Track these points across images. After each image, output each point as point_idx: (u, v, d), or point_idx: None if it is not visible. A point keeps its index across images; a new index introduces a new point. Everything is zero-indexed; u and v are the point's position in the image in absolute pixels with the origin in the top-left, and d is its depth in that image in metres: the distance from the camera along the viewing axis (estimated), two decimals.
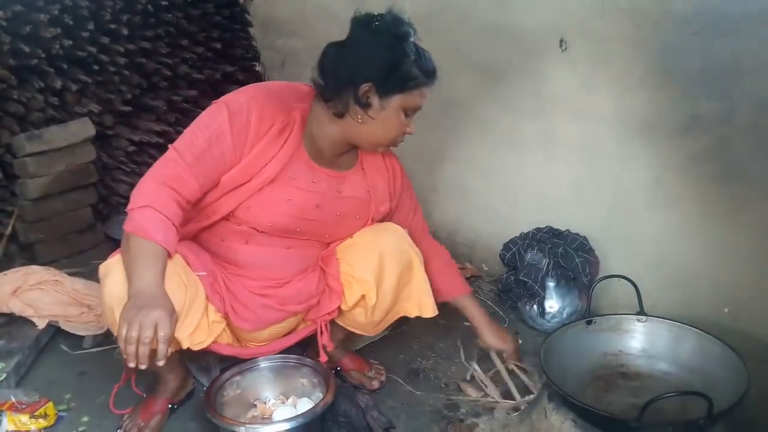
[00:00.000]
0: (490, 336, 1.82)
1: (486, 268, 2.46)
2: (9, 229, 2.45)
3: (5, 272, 2.11)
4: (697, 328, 1.72)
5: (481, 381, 1.83)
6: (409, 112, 1.57)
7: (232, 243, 1.63)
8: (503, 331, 1.87)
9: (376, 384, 1.85)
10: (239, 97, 1.52)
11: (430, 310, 1.73)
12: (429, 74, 1.54)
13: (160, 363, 1.30)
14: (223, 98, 1.53)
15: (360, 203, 1.69)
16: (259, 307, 1.65)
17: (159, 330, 1.28)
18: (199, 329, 1.55)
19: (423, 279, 1.72)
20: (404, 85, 1.50)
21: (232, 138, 1.48)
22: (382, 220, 1.75)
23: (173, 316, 1.33)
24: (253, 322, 1.65)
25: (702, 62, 1.78)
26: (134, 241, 1.38)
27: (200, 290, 1.57)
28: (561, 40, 2.08)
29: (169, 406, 1.73)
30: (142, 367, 1.29)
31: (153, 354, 1.29)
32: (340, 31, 2.81)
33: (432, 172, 2.62)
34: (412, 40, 1.52)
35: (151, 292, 1.34)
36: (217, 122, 1.48)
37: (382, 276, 1.64)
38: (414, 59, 1.50)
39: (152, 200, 1.42)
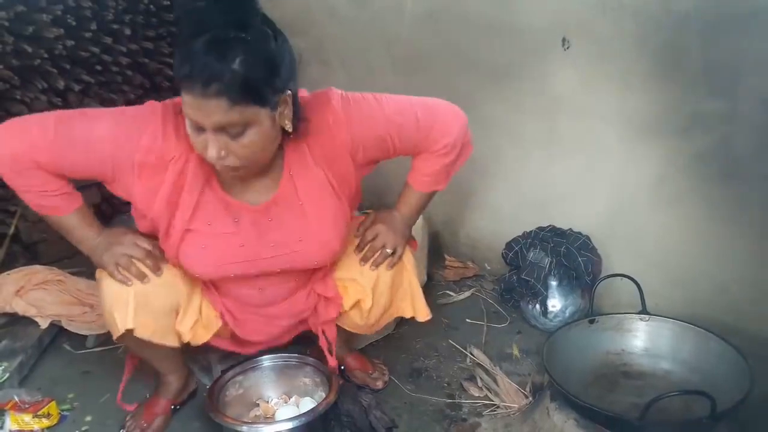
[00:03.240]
0: (384, 218, 1.63)
1: (488, 267, 2.46)
2: (12, 229, 2.45)
3: (8, 272, 2.11)
4: (699, 327, 1.72)
5: (481, 380, 1.83)
6: (194, 123, 1.25)
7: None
8: (402, 232, 1.64)
9: (380, 384, 1.85)
10: None
11: (422, 314, 1.69)
12: (186, 76, 1.18)
13: (159, 273, 1.45)
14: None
15: (320, 209, 1.47)
16: (250, 318, 1.64)
17: (140, 245, 1.45)
18: (199, 324, 1.56)
19: (414, 282, 1.68)
20: (177, 79, 1.22)
21: None
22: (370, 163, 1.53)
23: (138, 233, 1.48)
24: (247, 331, 1.64)
25: (704, 61, 1.78)
26: (52, 219, 1.51)
27: (196, 286, 1.57)
28: (563, 39, 2.07)
29: (172, 406, 1.73)
30: (146, 281, 1.42)
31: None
32: (343, 30, 2.84)
33: None
34: (210, 33, 1.17)
35: (104, 236, 1.49)
36: None
37: (377, 279, 1.61)
38: (187, 47, 1.18)
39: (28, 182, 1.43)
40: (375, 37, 2.70)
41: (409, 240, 1.72)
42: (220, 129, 1.23)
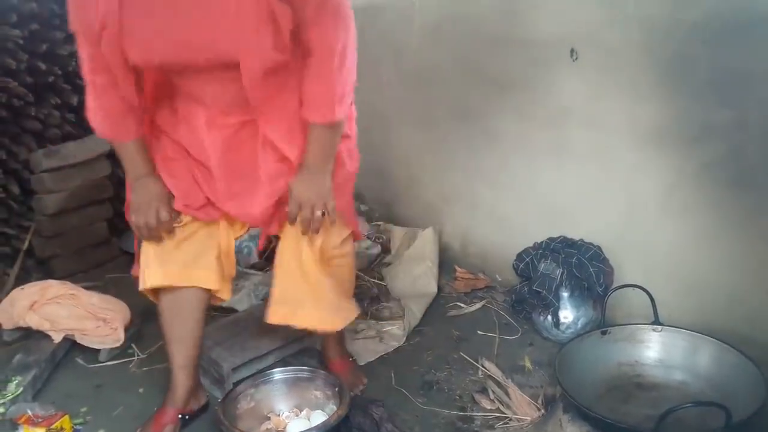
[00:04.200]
0: (296, 181, 1.51)
1: (499, 279, 2.45)
2: (26, 245, 2.48)
3: (22, 287, 2.13)
4: (713, 338, 1.71)
5: (493, 392, 1.82)
6: None
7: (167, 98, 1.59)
8: (320, 186, 1.51)
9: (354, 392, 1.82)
10: None
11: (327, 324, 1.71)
12: None
13: (176, 224, 1.60)
14: None
15: None
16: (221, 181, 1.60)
17: (160, 214, 1.56)
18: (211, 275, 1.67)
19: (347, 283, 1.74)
20: None
21: None
22: None
23: (166, 199, 1.58)
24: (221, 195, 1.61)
25: (713, 70, 1.78)
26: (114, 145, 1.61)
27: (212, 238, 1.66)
28: (571, 50, 2.08)
29: (180, 416, 1.73)
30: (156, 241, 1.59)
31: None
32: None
33: (443, 182, 2.63)
34: None
35: (137, 192, 1.59)
36: None
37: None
38: None
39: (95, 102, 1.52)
40: (384, 49, 2.71)
41: (353, 228, 1.73)
42: None
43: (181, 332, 1.70)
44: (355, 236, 1.81)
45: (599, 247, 2.11)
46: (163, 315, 1.70)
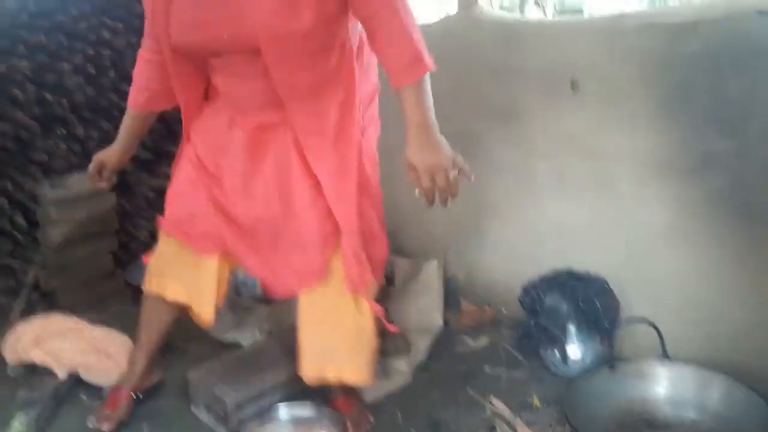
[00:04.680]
0: (412, 150, 1.39)
1: (506, 312, 2.43)
2: (31, 277, 2.47)
3: (27, 321, 2.12)
4: (723, 373, 1.69)
5: (502, 431, 1.80)
6: None
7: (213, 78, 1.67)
8: (436, 148, 1.39)
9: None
10: None
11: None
12: None
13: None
14: None
15: None
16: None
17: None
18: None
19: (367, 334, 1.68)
20: None
21: None
22: None
23: (112, 152, 1.88)
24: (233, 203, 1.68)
25: (713, 100, 1.79)
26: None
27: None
28: (572, 82, 2.09)
29: (134, 395, 1.83)
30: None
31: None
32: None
33: (447, 213, 2.60)
34: None
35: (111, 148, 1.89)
36: None
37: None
38: None
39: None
40: (386, 80, 2.73)
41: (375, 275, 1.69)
42: None
43: (151, 325, 1.86)
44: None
45: (605, 280, 2.10)
46: (144, 306, 1.86)
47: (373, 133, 1.80)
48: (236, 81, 1.57)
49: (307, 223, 1.60)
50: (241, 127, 1.62)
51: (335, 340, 1.66)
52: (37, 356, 2.00)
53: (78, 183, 2.55)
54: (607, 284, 2.08)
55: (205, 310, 1.76)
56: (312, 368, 1.67)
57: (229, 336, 2.26)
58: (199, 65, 1.63)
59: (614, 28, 1.98)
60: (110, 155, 1.89)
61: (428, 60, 1.41)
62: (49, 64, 2.56)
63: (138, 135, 1.90)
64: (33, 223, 2.55)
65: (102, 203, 2.63)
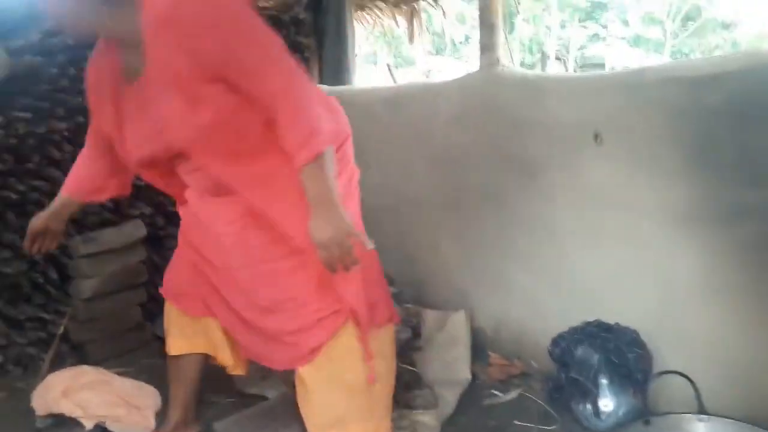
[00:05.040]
0: (312, 225, 1.45)
1: (535, 365, 2.39)
2: (61, 329, 2.50)
3: (56, 373, 2.14)
4: (764, 430, 1.63)
5: None
6: None
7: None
8: (331, 224, 1.44)
9: None
10: None
11: None
12: None
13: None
14: None
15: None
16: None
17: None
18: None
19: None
20: None
21: None
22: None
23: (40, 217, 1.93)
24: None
25: (740, 151, 1.78)
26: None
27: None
28: (595, 135, 2.11)
29: None
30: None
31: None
32: (380, 132, 2.94)
33: (473, 264, 2.62)
34: None
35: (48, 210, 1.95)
36: None
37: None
38: None
39: None
40: (411, 136, 2.80)
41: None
42: None
43: (177, 380, 1.93)
44: (392, 319, 1.82)
45: (636, 332, 2.06)
46: (168, 362, 1.95)
47: (347, 179, 1.79)
48: (193, 176, 1.69)
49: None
50: (201, 203, 1.73)
51: (340, 408, 1.67)
52: (66, 407, 2.01)
53: (109, 238, 2.62)
54: (638, 336, 2.04)
55: (222, 356, 1.90)
56: None
57: (255, 388, 2.25)
58: (165, 166, 1.71)
59: (637, 82, 2.01)
60: (38, 222, 1.95)
61: (323, 138, 1.46)
62: (85, 126, 2.65)
63: (70, 213, 2.00)
64: (65, 277, 2.61)
65: (132, 256, 2.68)
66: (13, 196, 2.48)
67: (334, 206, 1.46)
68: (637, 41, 17.14)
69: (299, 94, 1.47)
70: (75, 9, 1.47)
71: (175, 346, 1.92)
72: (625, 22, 17.25)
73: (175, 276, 1.92)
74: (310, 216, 1.47)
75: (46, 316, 2.57)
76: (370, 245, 1.50)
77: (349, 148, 1.83)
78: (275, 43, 1.47)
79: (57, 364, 2.37)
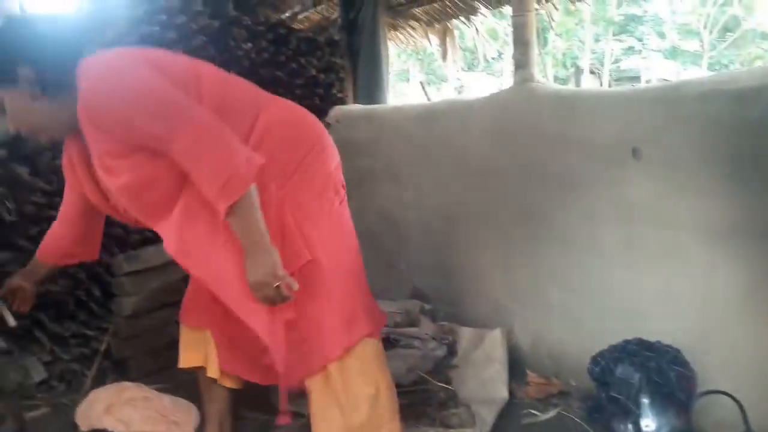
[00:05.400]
0: (245, 268, 1.55)
1: (574, 384, 2.35)
2: (104, 346, 2.56)
3: (99, 389, 2.19)
4: None
5: None
6: None
7: None
8: (259, 267, 1.53)
9: None
10: None
11: None
12: None
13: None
14: None
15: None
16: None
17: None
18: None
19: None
20: None
21: None
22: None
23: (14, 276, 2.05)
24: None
25: None
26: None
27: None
28: (633, 150, 2.09)
29: None
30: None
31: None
32: (413, 149, 2.96)
33: (509, 281, 2.60)
34: None
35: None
36: None
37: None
38: None
39: None
40: (444, 152, 2.80)
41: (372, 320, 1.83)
42: None
43: (208, 398, 2.02)
44: (372, 334, 1.83)
45: (678, 350, 2.01)
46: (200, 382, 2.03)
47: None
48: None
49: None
50: None
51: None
52: (109, 423, 2.05)
53: (151, 256, 2.68)
54: (680, 354, 2.00)
55: (211, 368, 1.93)
56: None
57: (291, 406, 2.26)
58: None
59: (676, 96, 1.99)
60: (11, 282, 2.04)
61: (238, 183, 1.49)
62: None
63: (43, 275, 2.07)
64: (108, 294, 2.67)
65: (172, 274, 2.73)
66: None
67: (262, 248, 1.53)
68: (673, 53, 16.89)
69: (206, 145, 1.50)
70: (26, 114, 1.60)
71: (181, 359, 2.00)
72: (661, 34, 17.04)
73: (189, 294, 1.99)
74: (244, 260, 1.55)
75: (89, 332, 2.63)
76: (295, 286, 1.57)
77: (322, 159, 1.81)
78: (176, 101, 1.52)
79: (99, 379, 2.43)
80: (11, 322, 2.03)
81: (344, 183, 1.91)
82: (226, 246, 1.59)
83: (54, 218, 2.04)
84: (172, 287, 2.73)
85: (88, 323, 2.65)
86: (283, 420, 1.79)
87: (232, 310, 1.66)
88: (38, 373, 2.48)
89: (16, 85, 1.55)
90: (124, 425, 2.05)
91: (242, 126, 1.65)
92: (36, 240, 2.09)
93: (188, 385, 2.41)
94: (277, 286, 1.53)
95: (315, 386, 1.77)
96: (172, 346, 2.72)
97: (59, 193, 2.55)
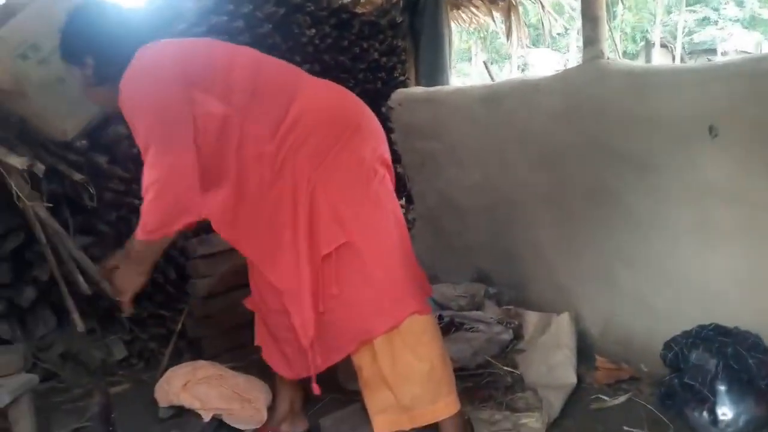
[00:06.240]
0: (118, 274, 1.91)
1: (645, 369, 2.29)
2: (179, 326, 2.68)
3: (176, 367, 2.29)
4: None
5: None
6: None
7: None
8: (123, 275, 1.89)
9: None
10: None
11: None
12: None
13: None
14: None
15: None
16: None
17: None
18: None
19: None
20: None
21: None
22: None
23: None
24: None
25: None
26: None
27: None
28: (710, 127, 2.00)
29: None
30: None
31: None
32: (477, 131, 2.93)
33: (577, 263, 2.55)
34: None
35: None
36: None
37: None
38: None
39: None
40: (509, 133, 2.75)
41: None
42: None
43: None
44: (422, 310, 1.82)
45: (758, 336, 1.94)
46: None
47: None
48: None
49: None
50: None
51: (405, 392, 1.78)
52: (186, 400, 2.15)
53: (222, 239, 2.76)
54: (761, 339, 1.92)
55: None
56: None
57: (357, 385, 2.30)
58: None
59: (756, 70, 1.89)
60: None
61: (162, 232, 1.79)
62: None
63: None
64: (183, 276, 2.78)
65: (243, 257, 2.81)
66: (136, 202, 2.67)
67: (139, 271, 1.89)
68: (753, 23, 15.95)
69: (163, 186, 1.72)
70: (84, 91, 1.88)
71: (256, 337, 2.15)
72: (740, 2, 16.12)
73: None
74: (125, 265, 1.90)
75: (165, 313, 2.76)
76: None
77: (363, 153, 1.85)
78: (171, 130, 1.70)
79: (175, 358, 2.54)
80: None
81: (389, 163, 1.92)
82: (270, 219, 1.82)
83: (132, 205, 2.13)
84: (243, 270, 2.81)
85: (164, 304, 2.78)
86: (316, 389, 1.85)
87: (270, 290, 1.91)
88: (119, 351, 2.63)
89: (80, 67, 1.80)
90: (199, 402, 2.15)
91: (276, 110, 1.74)
92: (114, 225, 2.17)
93: (260, 364, 2.50)
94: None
95: (362, 362, 1.80)
96: (244, 326, 2.82)
97: (136, 180, 2.66)
